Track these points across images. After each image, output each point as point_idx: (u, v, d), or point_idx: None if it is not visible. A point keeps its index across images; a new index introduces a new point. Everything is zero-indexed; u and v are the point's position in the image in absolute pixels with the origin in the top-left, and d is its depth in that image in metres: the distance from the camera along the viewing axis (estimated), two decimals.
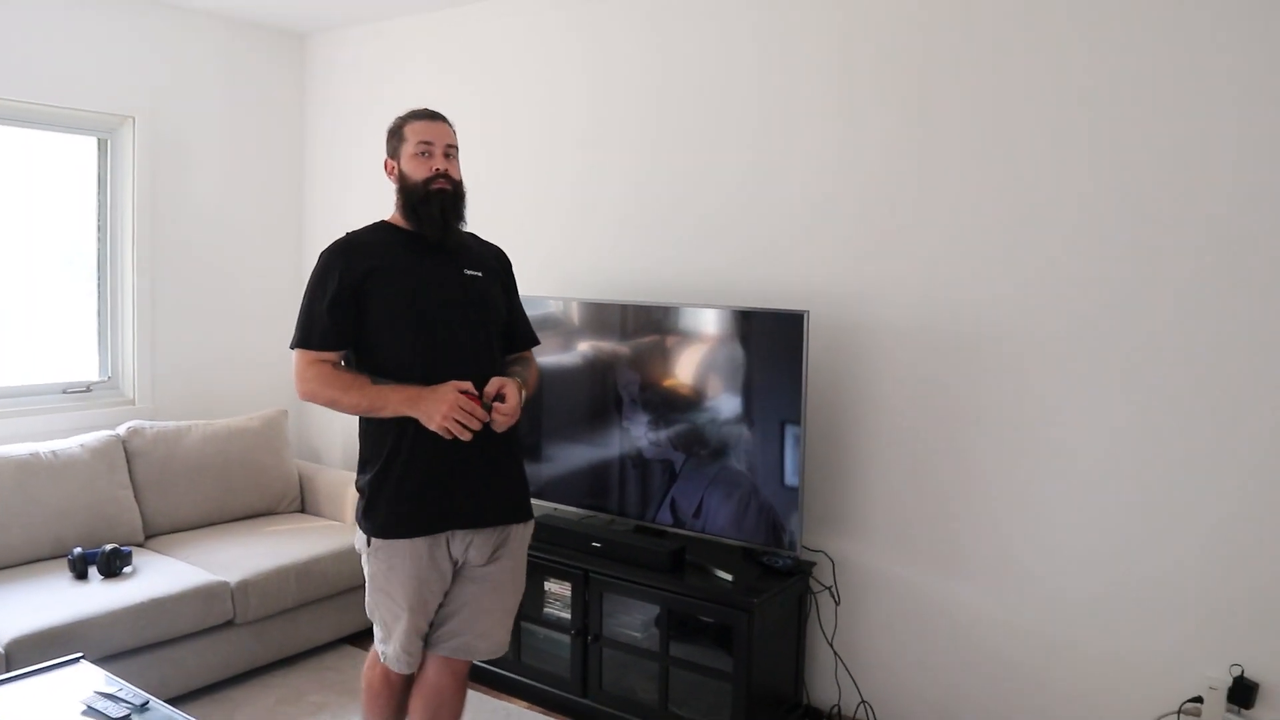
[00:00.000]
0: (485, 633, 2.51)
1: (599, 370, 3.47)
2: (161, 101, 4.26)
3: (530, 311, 3.61)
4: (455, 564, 2.45)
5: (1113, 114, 2.77)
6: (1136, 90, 2.73)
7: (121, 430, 3.92)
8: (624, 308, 3.43)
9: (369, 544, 2.41)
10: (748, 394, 3.17)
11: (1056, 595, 2.93)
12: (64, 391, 4.07)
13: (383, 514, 2.38)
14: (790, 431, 3.06)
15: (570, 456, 3.54)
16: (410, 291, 2.39)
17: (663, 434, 3.31)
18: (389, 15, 4.34)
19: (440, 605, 2.48)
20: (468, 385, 2.33)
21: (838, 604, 3.30)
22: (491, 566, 2.48)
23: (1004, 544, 3.01)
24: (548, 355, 3.60)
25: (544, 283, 3.93)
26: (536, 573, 3.43)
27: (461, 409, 2.28)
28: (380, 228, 2.51)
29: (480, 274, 2.54)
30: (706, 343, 3.25)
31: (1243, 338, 2.62)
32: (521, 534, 2.55)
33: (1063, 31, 2.84)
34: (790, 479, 3.06)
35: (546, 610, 3.44)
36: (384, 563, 2.39)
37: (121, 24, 4.09)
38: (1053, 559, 2.93)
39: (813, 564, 3.29)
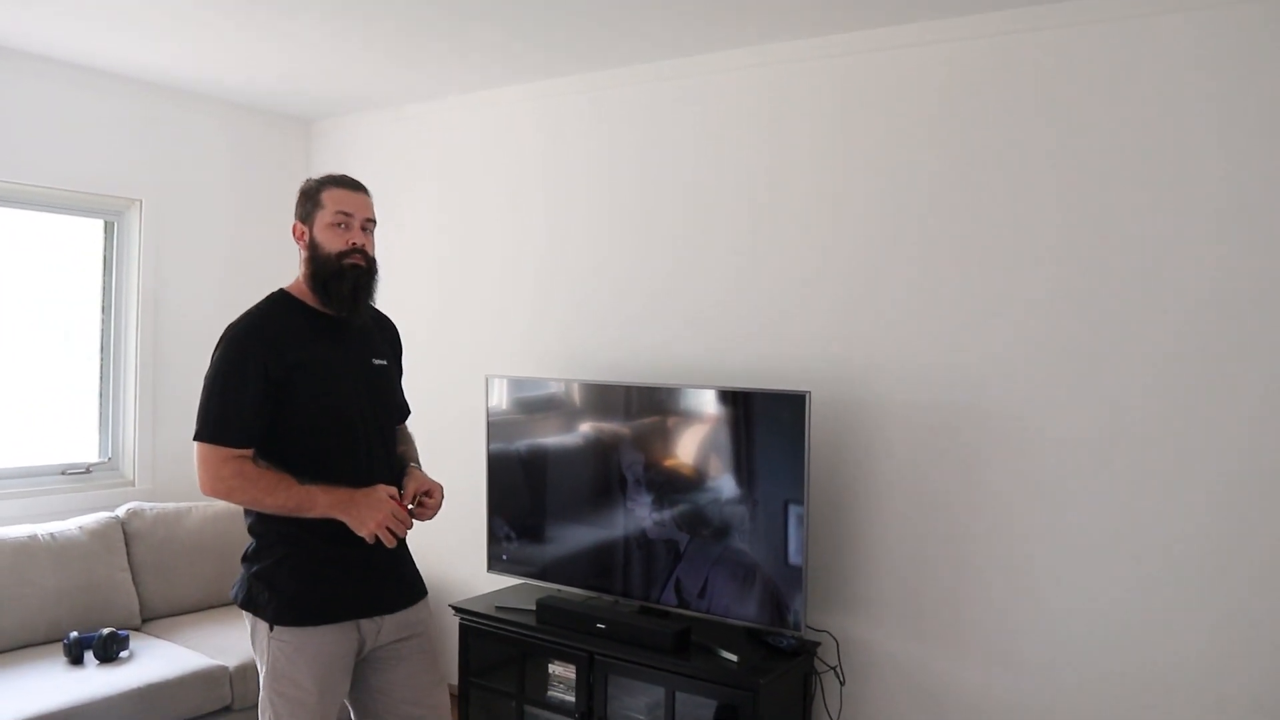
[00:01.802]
0: (438, 704, 2.47)
1: (602, 451, 3.48)
2: (168, 185, 4.33)
3: (532, 393, 3.67)
4: (361, 651, 2.36)
5: (1103, 195, 2.86)
6: (1124, 172, 2.82)
7: (121, 512, 3.90)
8: (627, 389, 3.46)
9: (271, 630, 2.27)
10: (750, 474, 3.19)
11: (1060, 676, 2.92)
12: (63, 473, 4.06)
13: (291, 600, 2.26)
14: (793, 511, 3.07)
15: (574, 537, 3.54)
16: (331, 391, 2.32)
17: (666, 514, 3.31)
18: (392, 103, 4.44)
19: (379, 705, 2.41)
20: (395, 490, 2.31)
21: (842, 684, 3.27)
22: (412, 642, 2.43)
23: (1007, 623, 3.01)
24: (550, 436, 3.62)
25: (545, 364, 3.97)
26: (540, 655, 3.41)
27: (394, 516, 2.25)
28: (286, 304, 2.39)
29: (385, 362, 2.50)
30: (709, 423, 3.28)
31: (1246, 414, 2.67)
32: (425, 608, 2.51)
33: (1060, 113, 2.94)
34: (794, 558, 3.06)
35: (550, 693, 3.40)
36: (290, 646, 2.26)
37: (129, 109, 4.17)
38: (1056, 639, 2.93)
39: (817, 644, 3.27)
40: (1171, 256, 2.76)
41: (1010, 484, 3.01)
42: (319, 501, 2.22)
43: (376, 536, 2.24)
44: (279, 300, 2.40)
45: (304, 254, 2.38)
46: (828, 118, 3.33)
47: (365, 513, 2.23)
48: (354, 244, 2.35)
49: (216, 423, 2.24)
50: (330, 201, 2.36)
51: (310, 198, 2.39)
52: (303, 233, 2.39)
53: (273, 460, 2.28)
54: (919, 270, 3.16)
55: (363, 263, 2.36)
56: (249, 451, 2.26)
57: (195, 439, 2.25)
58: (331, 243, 2.34)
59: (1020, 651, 2.99)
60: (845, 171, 3.29)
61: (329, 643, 2.28)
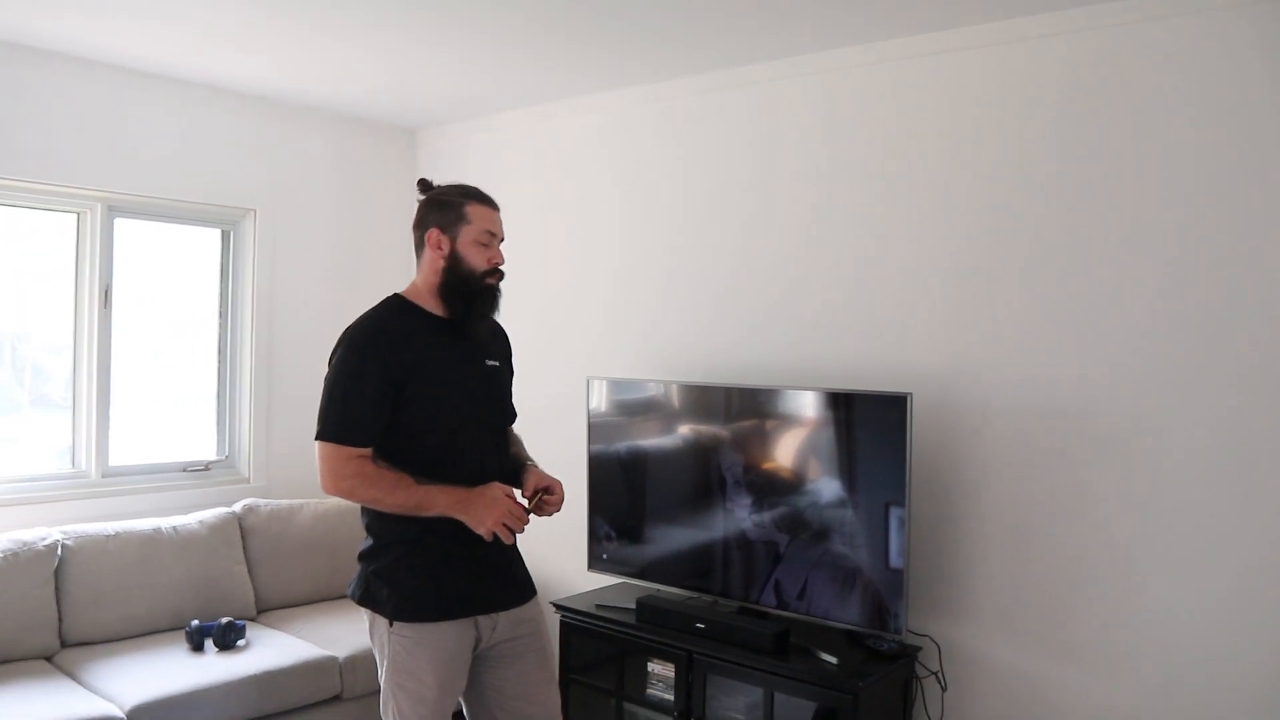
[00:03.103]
0: (549, 702, 2.51)
1: (701, 452, 3.52)
2: (280, 194, 4.51)
3: (632, 394, 3.73)
4: (477, 648, 2.42)
5: (1209, 185, 2.79)
6: (1227, 160, 2.75)
7: (237, 508, 4.07)
8: (727, 390, 3.49)
9: (391, 625, 2.33)
10: (851, 476, 3.18)
11: (1171, 685, 2.85)
12: (184, 470, 4.25)
13: (410, 597, 2.32)
14: (894, 513, 3.05)
15: (673, 538, 3.57)
16: (447, 393, 2.37)
17: (766, 515, 3.33)
18: (493, 111, 4.55)
19: (492, 702, 2.47)
20: (510, 489, 2.36)
21: (944, 690, 3.24)
22: (526, 640, 2.48)
23: (1115, 632, 2.95)
24: (650, 437, 3.66)
25: (646, 366, 4.02)
26: (640, 653, 3.45)
27: (510, 514, 2.30)
28: (404, 309, 2.42)
29: (498, 363, 2.54)
30: (809, 425, 3.29)
31: None
32: (537, 606, 2.55)
33: (1170, 102, 2.87)
34: (895, 561, 3.05)
35: (649, 691, 3.43)
36: (410, 641, 2.32)
37: (243, 123, 4.36)
38: (1167, 650, 2.86)
39: (918, 648, 3.24)
40: None
41: (1115, 490, 2.95)
42: (437, 501, 2.28)
43: (494, 534, 2.29)
44: (396, 304, 2.45)
45: (440, 263, 2.40)
46: (935, 118, 3.31)
47: (483, 511, 2.28)
48: (495, 264, 2.42)
49: (339, 423, 2.29)
50: (476, 218, 2.40)
51: (453, 209, 2.40)
52: (442, 243, 2.40)
53: (388, 459, 2.33)
54: (1026, 272, 3.12)
55: (498, 282, 2.44)
56: (369, 451, 2.31)
57: (317, 439, 2.31)
58: (476, 260, 2.39)
59: (1126, 660, 2.92)
60: (951, 171, 3.27)
61: (448, 639, 2.35)
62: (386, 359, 2.31)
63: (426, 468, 2.33)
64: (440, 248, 2.40)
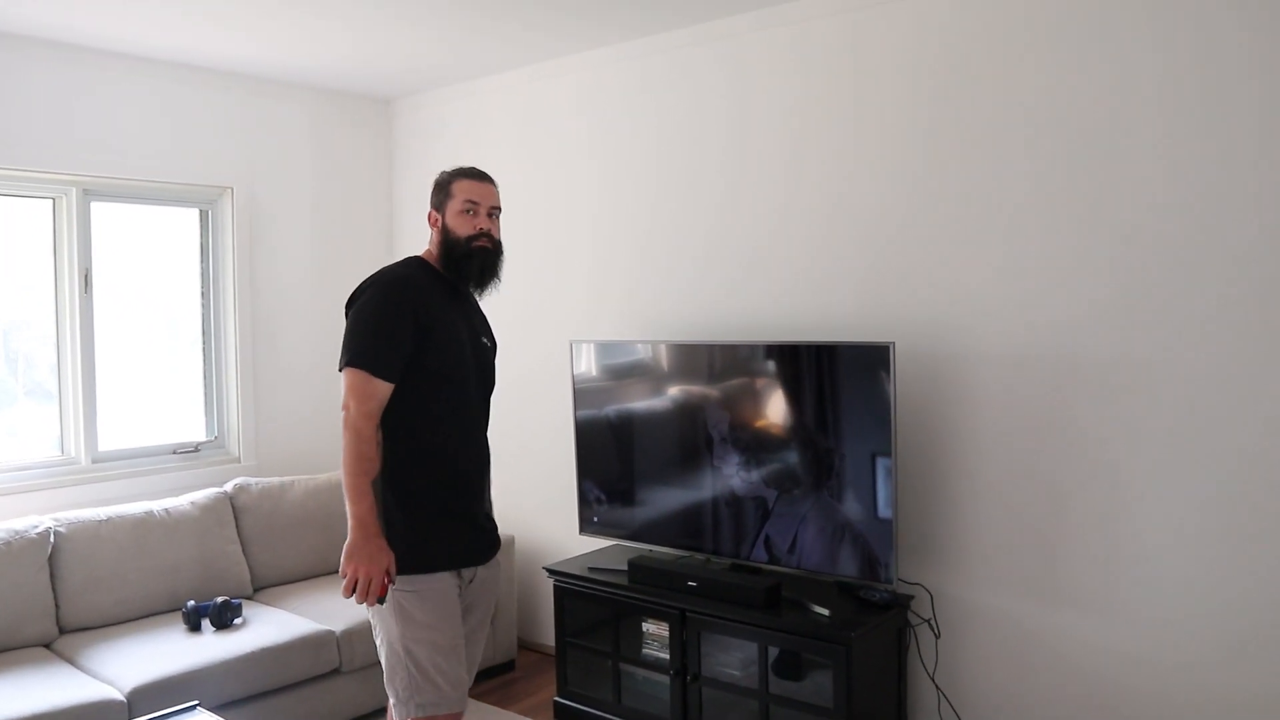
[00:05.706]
0: (475, 658, 2.63)
1: (688, 410, 3.51)
2: (257, 171, 4.47)
3: (616, 355, 3.72)
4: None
5: (1207, 128, 2.75)
6: (1234, 106, 2.72)
7: (229, 487, 4.07)
8: (710, 348, 3.48)
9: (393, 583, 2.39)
10: (837, 427, 3.18)
11: (1163, 625, 2.86)
12: (174, 452, 4.25)
13: (415, 547, 2.40)
14: (881, 464, 3.06)
15: (663, 498, 3.58)
16: (457, 352, 2.50)
17: (754, 472, 3.33)
18: (467, 78, 4.50)
19: None
20: (393, 571, 2.35)
21: (938, 637, 3.26)
22: (484, 594, 2.61)
23: (1106, 572, 2.95)
24: (634, 397, 3.66)
25: (627, 327, 4.01)
26: (634, 614, 3.46)
27: (370, 584, 2.30)
28: (424, 267, 2.56)
29: (490, 346, 2.67)
30: (794, 379, 3.28)
31: None
32: (499, 564, 2.68)
33: (1165, 52, 2.84)
34: (884, 511, 3.05)
35: (645, 651, 3.45)
36: (415, 595, 2.39)
37: (218, 100, 4.32)
38: (1158, 587, 2.86)
39: (910, 597, 3.26)
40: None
41: (1105, 434, 2.94)
42: (359, 510, 2.31)
43: (348, 578, 2.32)
44: (417, 262, 2.58)
45: (436, 238, 2.58)
46: (917, 64, 3.27)
47: (363, 558, 2.30)
48: (481, 229, 2.54)
49: (372, 353, 2.36)
50: (460, 191, 2.55)
51: (443, 188, 2.58)
52: (436, 219, 2.58)
53: (412, 402, 2.41)
54: (1003, 217, 3.09)
55: (489, 245, 2.56)
56: (390, 388, 2.37)
57: (348, 366, 2.37)
58: (461, 228, 2.53)
59: (1119, 599, 2.93)
60: (922, 117, 3.23)
61: (448, 586, 2.44)
62: (416, 306, 2.42)
63: (440, 413, 2.45)
64: (435, 224, 2.59)
